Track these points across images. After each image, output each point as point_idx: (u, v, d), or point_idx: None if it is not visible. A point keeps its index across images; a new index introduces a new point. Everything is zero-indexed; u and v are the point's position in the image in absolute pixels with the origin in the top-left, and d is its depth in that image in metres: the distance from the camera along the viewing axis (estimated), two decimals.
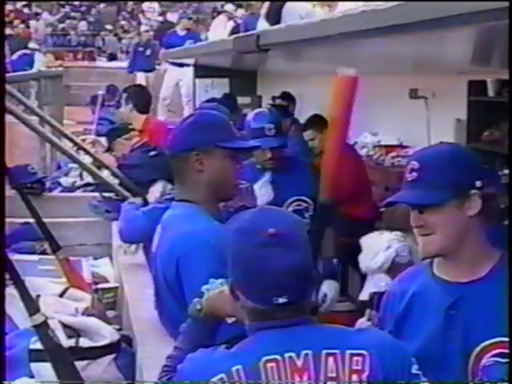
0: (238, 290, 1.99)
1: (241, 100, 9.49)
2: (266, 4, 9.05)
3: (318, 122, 6.08)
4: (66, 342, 3.03)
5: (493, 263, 2.17)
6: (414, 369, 1.97)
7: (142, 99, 6.79)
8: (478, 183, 2.12)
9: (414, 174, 2.14)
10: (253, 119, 4.17)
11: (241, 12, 14.71)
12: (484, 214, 2.14)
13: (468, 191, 2.11)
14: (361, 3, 3.34)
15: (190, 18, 16.70)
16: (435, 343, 2.16)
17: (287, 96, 7.66)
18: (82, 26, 25.41)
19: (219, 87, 10.32)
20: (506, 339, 2.07)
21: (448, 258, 2.18)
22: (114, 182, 5.22)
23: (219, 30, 13.39)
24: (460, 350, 2.13)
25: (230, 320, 2.25)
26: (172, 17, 25.79)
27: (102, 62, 22.35)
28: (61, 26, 25.00)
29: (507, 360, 2.06)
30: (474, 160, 2.20)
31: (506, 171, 4.97)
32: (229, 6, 15.66)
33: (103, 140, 8.84)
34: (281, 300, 1.91)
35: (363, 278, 5.74)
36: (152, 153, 5.09)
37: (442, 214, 2.11)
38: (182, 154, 2.76)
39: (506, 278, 2.12)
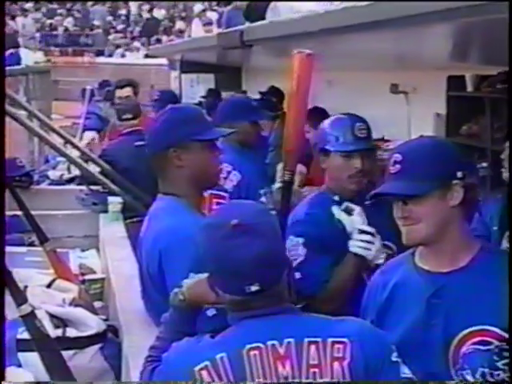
0: (214, 284, 2.00)
1: (225, 95, 9.48)
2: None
3: (311, 115, 6.11)
4: (53, 332, 3.01)
5: (473, 253, 2.18)
6: (394, 356, 1.99)
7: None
8: (460, 174, 2.14)
9: (398, 166, 2.15)
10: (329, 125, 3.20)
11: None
12: (465, 205, 2.16)
13: (450, 182, 2.13)
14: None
15: (183, 18, 16.65)
16: (417, 332, 2.17)
17: (276, 91, 7.59)
18: (69, 22, 25.29)
19: (204, 82, 10.31)
20: (486, 327, 2.09)
21: (429, 248, 2.19)
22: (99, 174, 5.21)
23: (197, 29, 13.40)
24: (441, 338, 2.14)
25: (210, 313, 2.26)
26: (158, 13, 25.76)
27: (89, 58, 22.26)
28: (48, 21, 24.88)
29: (488, 347, 2.08)
30: (454, 152, 2.22)
31: (484, 164, 4.99)
32: (198, 7, 15.67)
33: (90, 134, 8.87)
34: (253, 288, 1.92)
35: None
36: (139, 142, 5.08)
37: (426, 204, 2.12)
38: (160, 152, 2.74)
39: (486, 268, 2.14)
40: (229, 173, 4.26)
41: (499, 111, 5.09)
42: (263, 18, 5.92)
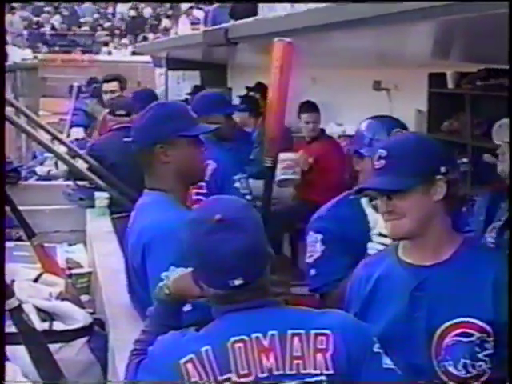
0: (198, 279, 2.00)
1: None
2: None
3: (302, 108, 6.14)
4: (40, 326, 3.00)
5: (456, 247, 2.19)
6: (376, 347, 1.99)
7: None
8: (443, 169, 2.15)
9: (382, 161, 2.16)
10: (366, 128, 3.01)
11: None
12: (448, 200, 2.17)
13: (433, 177, 2.14)
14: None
15: (168, 16, 16.60)
16: (400, 324, 2.17)
17: (261, 87, 7.55)
18: (57, 19, 25.16)
19: (190, 79, 10.30)
20: (468, 319, 2.10)
21: (413, 242, 2.20)
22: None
23: (184, 27, 13.37)
24: (424, 330, 2.15)
25: (185, 309, 2.25)
26: (144, 11, 25.68)
27: (77, 55, 22.16)
28: (36, 19, 24.75)
29: (470, 339, 2.09)
30: (438, 147, 2.23)
31: (465, 160, 5.01)
32: (185, 5, 15.64)
33: (78, 130, 8.83)
34: (236, 282, 1.92)
35: None
36: (127, 138, 5.05)
37: (410, 199, 2.12)
38: (147, 148, 2.73)
39: (468, 261, 2.15)
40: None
41: (479, 108, 5.11)
42: (248, 16, 5.91)
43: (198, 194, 4.12)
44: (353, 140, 2.99)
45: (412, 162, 2.14)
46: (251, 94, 7.69)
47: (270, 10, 5.83)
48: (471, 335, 2.10)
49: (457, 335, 2.11)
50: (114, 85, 6.97)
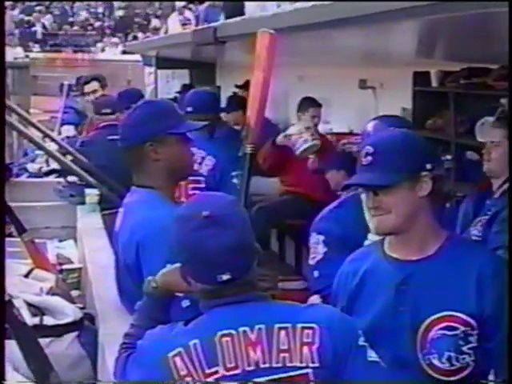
0: (186, 274, 2.00)
1: None
2: None
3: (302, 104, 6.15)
4: (31, 320, 2.99)
5: (440, 242, 2.19)
6: (361, 341, 2.00)
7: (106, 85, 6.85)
8: (429, 166, 2.15)
9: (369, 158, 2.15)
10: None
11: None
12: (433, 196, 2.17)
13: (419, 173, 2.14)
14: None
15: (157, 16, 16.55)
16: (386, 318, 2.17)
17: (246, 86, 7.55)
18: (48, 19, 25.05)
19: (180, 78, 10.28)
20: (453, 313, 2.10)
21: (398, 237, 2.19)
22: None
23: (174, 26, 13.34)
24: (409, 323, 2.14)
25: (184, 304, 2.25)
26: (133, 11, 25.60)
27: (67, 54, 22.08)
28: (27, 18, 24.63)
29: (454, 333, 2.10)
30: (423, 144, 2.23)
31: (448, 157, 5.02)
32: (178, 3, 15.60)
33: (68, 128, 8.80)
34: (224, 277, 1.92)
35: None
36: (111, 136, 5.07)
37: (396, 194, 2.12)
38: (136, 146, 2.72)
39: (453, 256, 2.16)
40: (203, 159, 4.28)
41: (462, 106, 5.12)
42: (242, 14, 5.91)
43: (194, 188, 4.17)
44: (360, 140, 2.89)
45: (398, 159, 2.13)
46: (239, 92, 7.68)
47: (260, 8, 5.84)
48: (456, 329, 2.10)
49: (441, 329, 2.11)
50: (94, 85, 7.05)
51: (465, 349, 2.10)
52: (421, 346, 2.13)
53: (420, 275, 2.16)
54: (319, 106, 6.19)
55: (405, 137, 2.25)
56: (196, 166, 4.17)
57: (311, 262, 2.79)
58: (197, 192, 4.06)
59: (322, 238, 2.77)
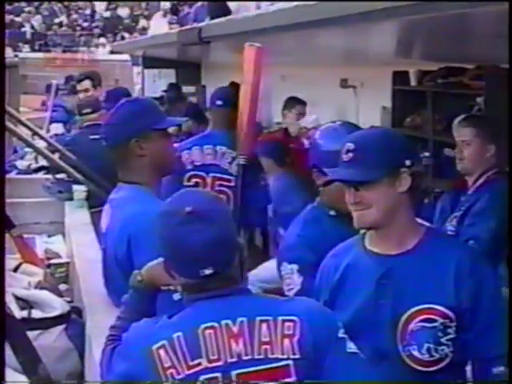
0: (170, 269, 1.99)
1: (186, 89, 9.46)
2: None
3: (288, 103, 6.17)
4: (19, 314, 2.98)
5: (419, 237, 2.19)
6: (341, 333, 1.99)
7: (101, 83, 6.84)
8: (408, 162, 2.15)
9: (350, 154, 2.15)
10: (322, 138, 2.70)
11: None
12: (412, 191, 2.17)
13: (399, 169, 2.14)
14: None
15: (146, 16, 16.49)
16: (367, 311, 2.18)
17: (236, 86, 7.50)
18: (37, 19, 24.92)
19: (166, 77, 10.25)
20: (432, 306, 2.11)
21: (378, 232, 2.20)
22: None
23: (158, 25, 13.29)
24: (390, 316, 2.15)
25: (176, 297, 2.24)
26: (122, 11, 25.52)
27: (56, 53, 21.99)
28: (16, 19, 24.49)
29: (433, 325, 2.11)
30: (403, 141, 2.23)
31: (426, 154, 5.03)
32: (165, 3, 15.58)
33: (57, 126, 8.75)
34: (207, 271, 1.91)
35: None
36: (93, 136, 5.10)
37: (376, 190, 2.13)
38: (122, 143, 2.72)
39: (432, 249, 2.17)
40: (233, 158, 4.27)
41: (440, 104, 5.13)
42: (226, 15, 5.89)
43: (222, 185, 4.27)
44: (311, 151, 2.71)
45: (378, 155, 2.14)
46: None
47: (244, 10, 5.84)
48: (435, 321, 2.11)
49: (421, 321, 2.12)
50: (86, 83, 7.01)
51: (443, 340, 2.11)
52: (401, 337, 2.14)
53: (400, 269, 2.16)
54: (304, 104, 6.21)
55: (384, 134, 2.27)
56: (226, 165, 4.29)
57: (288, 294, 2.57)
58: (224, 189, 4.21)
59: (295, 267, 2.57)
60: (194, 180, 4.38)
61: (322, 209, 2.65)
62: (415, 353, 2.12)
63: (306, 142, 6.34)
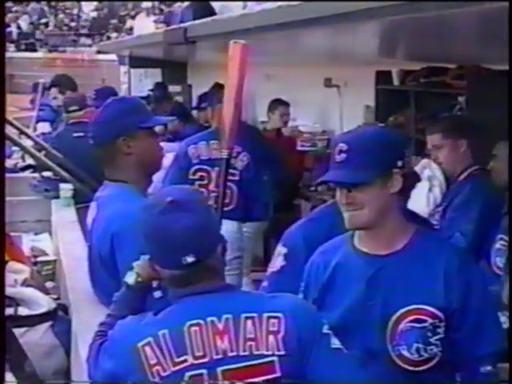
0: (154, 262, 1.98)
1: (172, 88, 9.44)
2: None
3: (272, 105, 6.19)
4: (6, 311, 2.95)
5: (408, 237, 2.17)
6: (325, 329, 1.99)
7: (73, 86, 6.82)
8: (400, 163, 2.12)
9: (343, 155, 2.12)
10: None
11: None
12: (402, 191, 2.15)
13: (391, 170, 2.11)
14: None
15: (133, 17, 16.45)
16: (356, 311, 2.15)
17: (220, 87, 7.49)
18: (25, 19, 24.79)
19: (152, 77, 10.23)
20: (421, 306, 2.10)
21: (368, 232, 2.17)
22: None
23: (143, 25, 13.26)
24: (379, 316, 2.13)
25: (157, 295, 2.23)
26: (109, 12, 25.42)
27: (43, 53, 21.88)
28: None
29: (423, 325, 2.09)
30: (396, 141, 2.19)
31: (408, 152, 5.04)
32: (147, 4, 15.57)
33: (44, 125, 8.69)
34: (189, 259, 1.91)
35: None
36: (76, 134, 5.10)
37: (369, 191, 2.10)
38: (109, 141, 2.71)
39: (421, 250, 2.15)
40: (238, 153, 4.40)
41: (422, 103, 5.15)
42: (211, 15, 5.89)
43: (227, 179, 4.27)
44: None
45: (371, 157, 2.10)
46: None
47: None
48: (424, 321, 2.09)
49: (410, 321, 2.10)
50: (53, 91, 7.04)
51: (432, 340, 2.10)
52: (390, 337, 2.13)
53: (389, 270, 2.15)
54: (287, 105, 6.22)
55: (378, 134, 2.21)
56: (231, 160, 4.27)
57: (267, 272, 2.61)
58: (229, 183, 4.14)
59: (284, 250, 2.57)
60: (200, 174, 4.51)
61: (334, 207, 2.51)
62: (405, 352, 2.11)
63: (298, 144, 6.42)
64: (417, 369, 2.12)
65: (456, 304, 2.10)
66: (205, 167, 4.47)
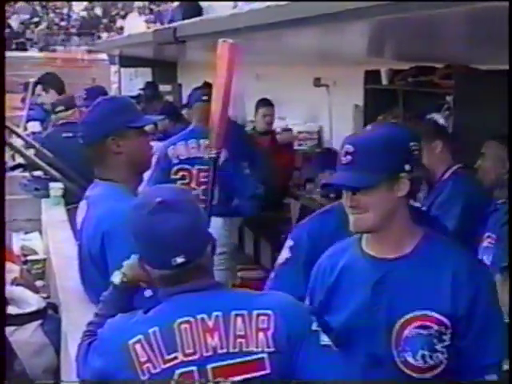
0: (144, 262, 1.98)
1: (162, 88, 9.43)
2: None
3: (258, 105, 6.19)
4: None
5: (417, 241, 2.12)
6: (314, 326, 1.99)
7: (60, 84, 6.82)
8: (407, 167, 2.07)
9: (349, 157, 2.07)
10: None
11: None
12: (410, 195, 2.11)
13: (398, 174, 2.06)
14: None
15: (123, 16, 16.41)
16: (362, 315, 2.12)
17: (209, 87, 7.48)
18: (15, 19, 24.67)
19: (142, 76, 10.22)
20: (427, 312, 2.05)
21: (375, 235, 2.13)
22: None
23: (134, 24, 13.23)
24: (384, 321, 2.09)
25: (148, 294, 2.23)
26: (99, 11, 25.36)
27: (33, 53, 21.79)
28: None
29: (429, 332, 2.05)
30: (404, 144, 2.11)
31: None
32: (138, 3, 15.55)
33: (34, 124, 8.67)
34: (178, 259, 1.91)
35: (273, 248, 5.80)
36: (65, 134, 5.10)
37: (374, 195, 2.05)
38: (99, 140, 2.71)
39: (429, 255, 2.10)
40: None
41: (411, 103, 5.16)
42: (199, 15, 5.90)
43: (207, 177, 4.38)
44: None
45: (378, 160, 2.05)
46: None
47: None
48: (430, 328, 2.05)
49: (416, 327, 2.06)
50: (38, 89, 7.06)
51: (438, 347, 2.05)
52: (396, 343, 2.08)
53: (396, 274, 2.10)
54: (270, 105, 6.20)
55: (386, 137, 2.12)
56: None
57: (276, 263, 2.64)
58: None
59: (291, 243, 2.60)
60: (181, 173, 4.62)
61: (321, 188, 2.66)
62: (410, 359, 2.07)
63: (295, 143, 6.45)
64: (422, 376, 2.07)
65: (462, 311, 2.05)
66: (185, 166, 4.59)
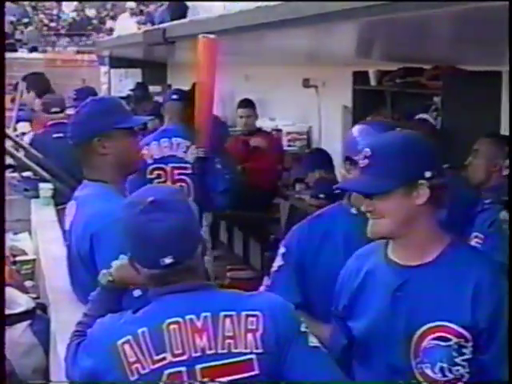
0: (134, 261, 1.97)
1: (152, 88, 9.42)
2: None
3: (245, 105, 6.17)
4: None
5: (442, 248, 2.04)
6: (303, 327, 1.98)
7: (41, 85, 6.80)
8: (428, 174, 1.98)
9: (366, 160, 2.01)
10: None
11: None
12: (433, 202, 2.01)
13: (416, 181, 1.97)
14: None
15: (112, 17, 16.37)
16: (381, 322, 2.05)
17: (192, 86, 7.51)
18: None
19: (132, 77, 10.21)
20: (446, 323, 1.98)
21: (397, 242, 2.06)
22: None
23: (125, 25, 13.21)
24: (403, 330, 2.01)
25: (136, 294, 2.22)
26: (89, 12, 25.30)
27: (23, 53, 21.70)
28: None
29: (447, 344, 1.97)
30: (425, 150, 2.03)
31: None
32: (130, 4, 15.51)
33: (24, 125, 8.63)
34: (167, 260, 1.90)
35: (263, 249, 5.80)
36: (55, 135, 5.09)
37: (390, 200, 1.98)
38: (85, 141, 2.71)
39: (452, 263, 2.02)
40: (188, 147, 4.55)
41: (398, 103, 5.18)
42: (185, 17, 5.89)
43: (181, 174, 4.54)
44: (345, 145, 2.57)
45: (395, 165, 1.97)
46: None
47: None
48: (449, 340, 1.97)
49: (434, 339, 1.98)
50: (21, 86, 7.05)
51: (458, 360, 1.96)
52: (414, 353, 2.01)
53: (417, 282, 2.02)
54: (248, 106, 6.16)
55: (405, 141, 2.04)
56: (182, 154, 4.59)
57: (270, 271, 2.59)
58: (183, 177, 4.54)
59: (283, 250, 2.55)
60: (156, 172, 4.64)
61: (344, 206, 2.50)
62: (428, 371, 1.98)
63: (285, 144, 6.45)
64: None
65: (484, 324, 1.95)
66: (160, 165, 4.63)
